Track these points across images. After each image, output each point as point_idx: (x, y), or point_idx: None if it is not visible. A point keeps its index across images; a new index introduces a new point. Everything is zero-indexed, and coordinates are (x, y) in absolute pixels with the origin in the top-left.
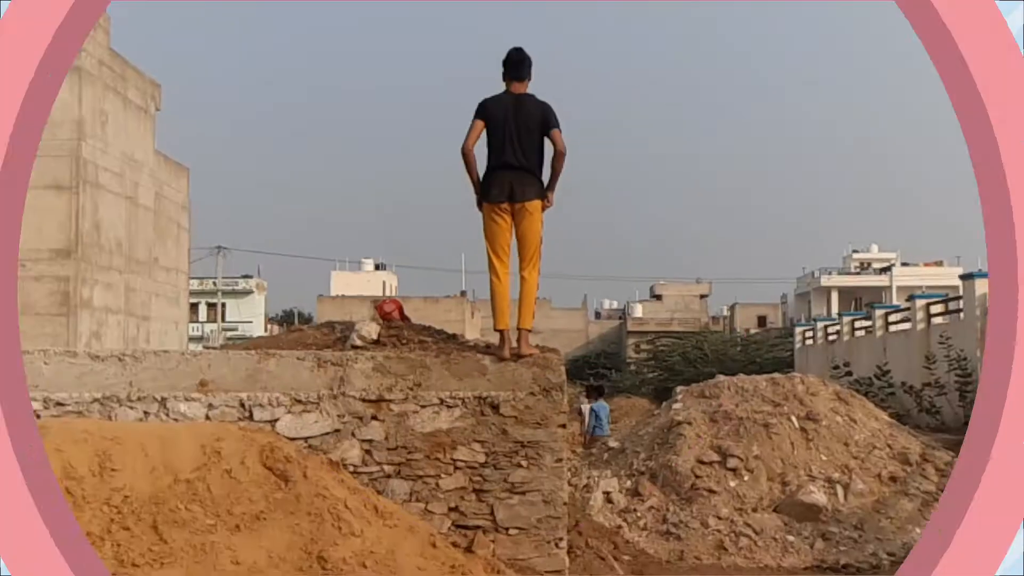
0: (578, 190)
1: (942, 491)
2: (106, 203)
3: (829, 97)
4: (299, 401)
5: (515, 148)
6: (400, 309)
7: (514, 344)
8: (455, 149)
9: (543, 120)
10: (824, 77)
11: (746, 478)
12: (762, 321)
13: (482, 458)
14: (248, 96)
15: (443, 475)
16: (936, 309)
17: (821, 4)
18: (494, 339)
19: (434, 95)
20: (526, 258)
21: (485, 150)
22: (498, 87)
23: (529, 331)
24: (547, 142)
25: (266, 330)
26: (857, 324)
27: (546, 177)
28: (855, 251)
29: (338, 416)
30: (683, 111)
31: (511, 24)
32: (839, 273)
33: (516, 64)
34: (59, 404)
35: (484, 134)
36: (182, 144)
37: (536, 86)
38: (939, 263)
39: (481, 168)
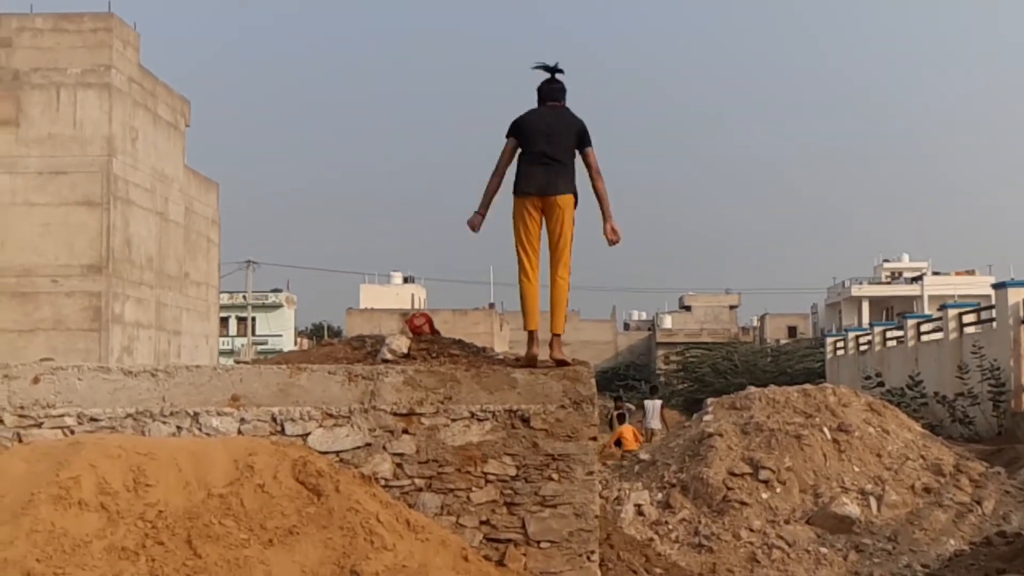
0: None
1: (976, 502)
2: (137, 219)
3: (859, 105)
4: (330, 415)
5: (549, 145)
6: (430, 323)
7: (534, 351)
8: (484, 160)
9: (579, 134)
10: (856, 86)
11: (778, 490)
12: (792, 331)
13: (513, 471)
14: (277, 109)
15: (474, 488)
16: (968, 318)
17: (854, 7)
18: (524, 351)
19: (467, 106)
20: (557, 258)
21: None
22: (531, 102)
23: (561, 335)
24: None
25: (296, 344)
26: (888, 334)
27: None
28: (885, 260)
29: (369, 430)
30: (711, 122)
31: (542, 39)
32: (870, 283)
33: (550, 92)
34: (93, 420)
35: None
36: (211, 158)
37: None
38: (971, 272)
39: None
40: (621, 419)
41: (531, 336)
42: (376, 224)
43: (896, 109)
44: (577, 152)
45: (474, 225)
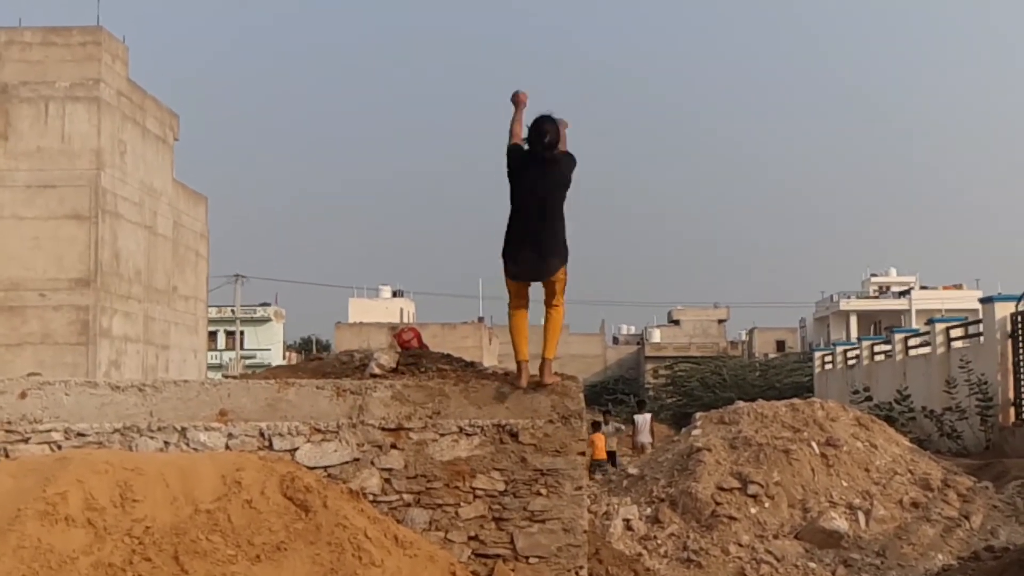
0: (595, 215)
1: (964, 516)
2: (125, 232)
3: (848, 120)
4: (318, 430)
5: (540, 215)
6: (418, 337)
7: (533, 374)
8: (474, 173)
9: (566, 166)
10: (845, 101)
11: (767, 505)
12: (781, 346)
13: (501, 486)
14: (265, 123)
15: (462, 504)
16: (956, 333)
17: (841, 22)
18: (512, 366)
19: (457, 119)
20: (553, 296)
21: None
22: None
23: (551, 360)
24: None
25: (284, 358)
26: (877, 348)
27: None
28: (873, 275)
29: (357, 445)
30: (699, 135)
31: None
32: (858, 297)
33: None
34: (80, 435)
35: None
36: (200, 171)
37: (557, 103)
38: (958, 286)
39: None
40: (596, 427)
41: (520, 367)
42: (365, 238)
43: (885, 124)
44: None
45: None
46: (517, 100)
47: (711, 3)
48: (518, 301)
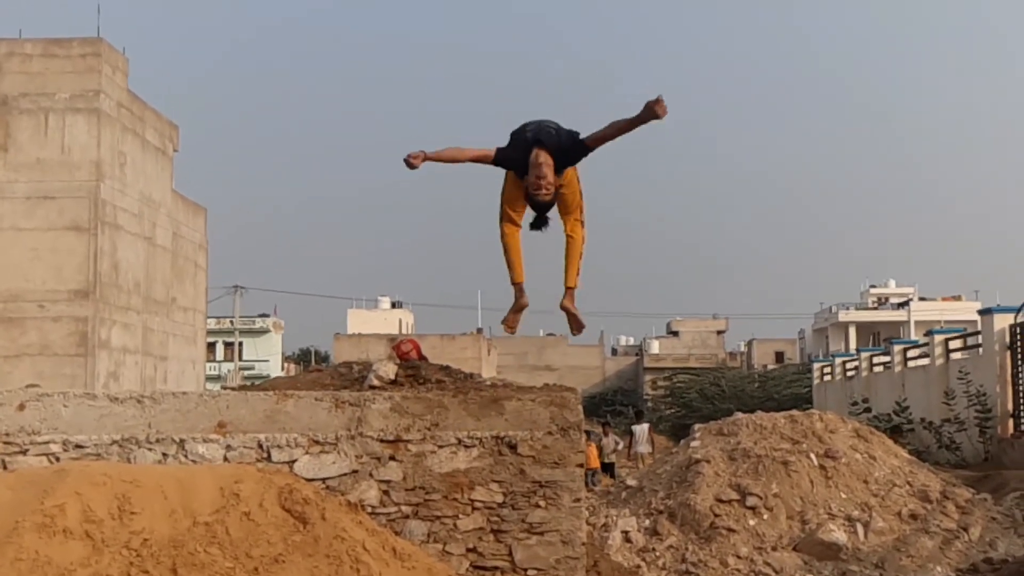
0: (594, 226)
1: (963, 528)
2: (124, 244)
3: (844, 131)
4: (317, 442)
5: (541, 128)
6: (417, 348)
7: (523, 302)
8: (472, 186)
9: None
10: (843, 113)
11: (765, 517)
12: (780, 357)
13: (500, 498)
14: (264, 134)
15: (461, 515)
16: (955, 344)
17: (839, 34)
18: (511, 377)
19: (456, 131)
20: (570, 216)
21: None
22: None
23: (575, 288)
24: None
25: (283, 369)
26: (875, 360)
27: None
28: (872, 286)
29: (356, 457)
30: (696, 147)
31: (539, 62)
32: (856, 308)
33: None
34: (79, 446)
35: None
36: (199, 182)
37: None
38: (957, 297)
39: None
40: (587, 436)
41: (518, 288)
42: (364, 249)
43: (884, 134)
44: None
45: (412, 159)
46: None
47: (710, 11)
48: (514, 216)
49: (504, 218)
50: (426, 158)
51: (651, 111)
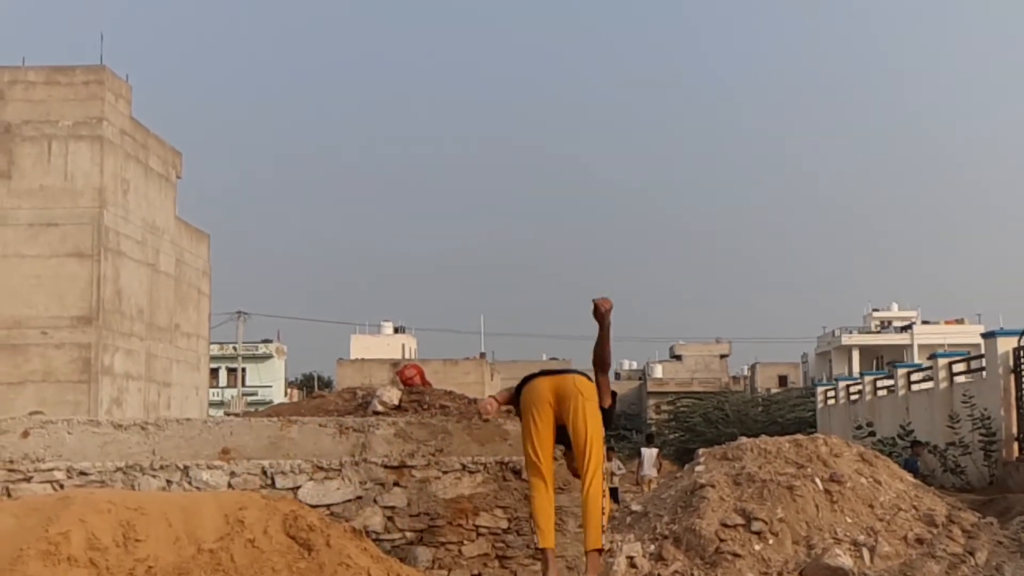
0: (596, 250)
1: (969, 553)
2: (127, 270)
3: (847, 156)
4: (321, 468)
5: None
6: (421, 374)
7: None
8: (474, 211)
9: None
10: (845, 136)
11: (771, 541)
12: (783, 381)
13: (505, 524)
14: (266, 161)
15: (466, 541)
16: (958, 368)
17: (841, 61)
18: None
19: (459, 158)
20: (585, 459)
21: None
22: (525, 152)
23: (600, 552)
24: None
25: (286, 394)
26: (879, 383)
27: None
28: (875, 310)
29: (360, 483)
30: (699, 170)
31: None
32: (859, 332)
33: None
34: (83, 473)
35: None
36: (202, 208)
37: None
38: (960, 321)
39: None
40: None
41: (545, 557)
42: (366, 274)
43: (885, 160)
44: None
45: (485, 412)
46: (484, 415)
47: (713, 32)
48: (540, 466)
49: (528, 469)
50: (499, 406)
51: (597, 311)
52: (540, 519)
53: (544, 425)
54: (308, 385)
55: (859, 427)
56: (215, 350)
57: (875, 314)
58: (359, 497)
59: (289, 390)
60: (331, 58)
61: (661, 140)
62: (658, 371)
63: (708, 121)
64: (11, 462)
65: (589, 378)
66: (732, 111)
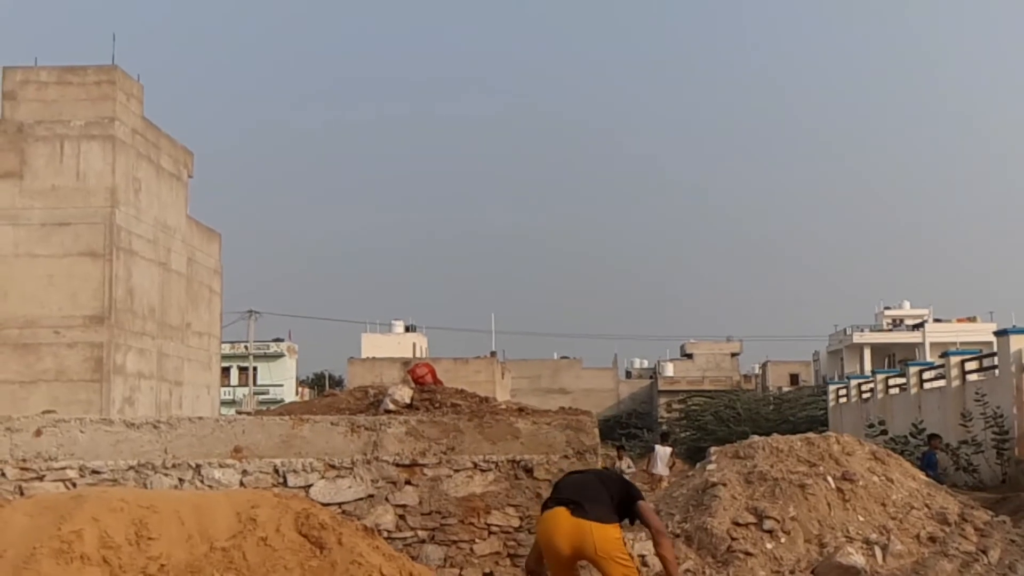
0: (607, 249)
1: (982, 551)
2: (139, 269)
3: (858, 154)
4: (333, 466)
5: (578, 492)
6: (433, 373)
7: None
8: (482, 209)
9: (623, 486)
10: (856, 134)
11: (783, 540)
12: (794, 379)
13: (516, 522)
14: (276, 159)
15: (477, 540)
16: (971, 366)
17: (855, 58)
18: (525, 400)
19: (469, 160)
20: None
21: None
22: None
23: None
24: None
25: (297, 393)
26: (891, 382)
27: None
28: (887, 308)
29: (372, 481)
30: (711, 168)
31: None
32: (871, 330)
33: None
34: (95, 472)
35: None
36: (214, 207)
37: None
38: (972, 319)
39: None
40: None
41: None
42: (377, 273)
43: (895, 157)
44: (626, 509)
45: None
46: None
47: (711, 33)
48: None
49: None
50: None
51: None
52: None
53: (564, 570)
54: (319, 384)
55: (871, 425)
56: (227, 349)
57: (887, 312)
58: (371, 495)
59: (300, 389)
60: (346, 56)
61: (668, 137)
62: (669, 369)
63: (718, 118)
64: (24, 461)
65: (609, 520)
66: (739, 106)
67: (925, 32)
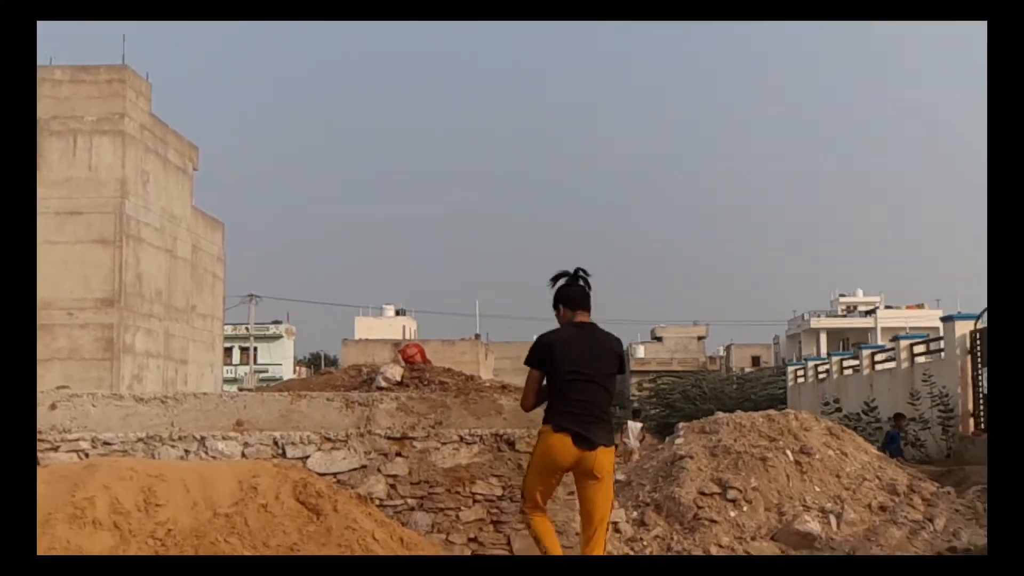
0: (583, 238)
1: (929, 519)
2: (147, 256)
3: (815, 148)
4: (328, 439)
5: (589, 395)
6: (422, 353)
7: None
8: (466, 196)
9: (620, 360)
10: (825, 133)
11: (745, 508)
12: (756, 361)
13: (499, 491)
14: (279, 153)
15: (463, 508)
16: (919, 349)
17: (817, 57)
18: (507, 379)
19: (463, 153)
20: (593, 531)
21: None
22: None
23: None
24: None
25: (295, 372)
26: (845, 363)
27: None
28: (842, 295)
29: (365, 453)
30: (681, 162)
31: (535, 77)
32: (827, 315)
33: (578, 299)
34: (106, 443)
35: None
36: (218, 197)
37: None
38: (920, 306)
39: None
40: None
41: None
42: (370, 260)
43: (851, 151)
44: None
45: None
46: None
47: (685, 36)
48: (538, 505)
49: (529, 504)
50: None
51: None
52: (548, 543)
53: (558, 483)
54: (315, 363)
55: (826, 403)
56: (229, 330)
57: (841, 299)
58: (364, 466)
59: (298, 368)
60: (348, 50)
61: (640, 128)
62: (640, 351)
63: (684, 107)
64: (40, 433)
65: (611, 442)
66: (699, 102)
67: (879, 25)
